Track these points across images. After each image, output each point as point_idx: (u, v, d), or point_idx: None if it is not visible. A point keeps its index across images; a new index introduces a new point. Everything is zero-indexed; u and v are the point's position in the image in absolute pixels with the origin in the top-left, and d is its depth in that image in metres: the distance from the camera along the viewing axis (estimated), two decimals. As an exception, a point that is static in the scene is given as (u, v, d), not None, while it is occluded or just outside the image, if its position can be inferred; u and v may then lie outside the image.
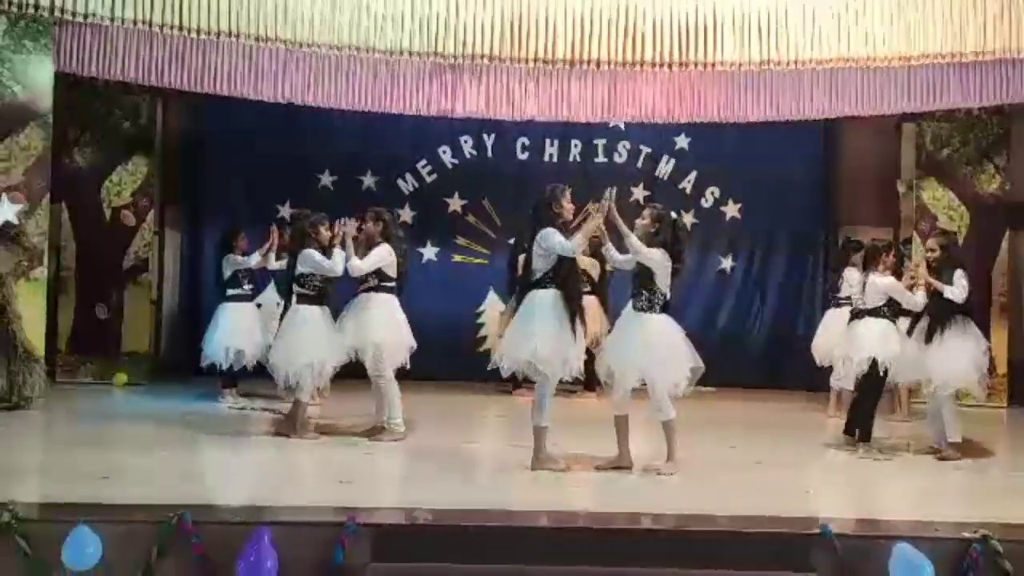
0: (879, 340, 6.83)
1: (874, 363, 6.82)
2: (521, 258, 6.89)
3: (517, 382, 8.90)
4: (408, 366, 7.14)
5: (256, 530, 4.45)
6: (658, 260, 6.04)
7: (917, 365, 6.82)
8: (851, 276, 8.16)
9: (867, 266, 7.10)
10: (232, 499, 5.51)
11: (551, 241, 5.98)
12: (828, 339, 8.20)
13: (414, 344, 7.12)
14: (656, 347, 6.03)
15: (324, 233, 7.07)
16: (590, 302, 8.99)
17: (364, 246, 7.14)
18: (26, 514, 4.60)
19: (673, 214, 6.34)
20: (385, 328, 7.01)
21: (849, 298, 8.05)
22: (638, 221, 6.21)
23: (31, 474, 6.05)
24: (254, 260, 8.36)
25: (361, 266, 6.99)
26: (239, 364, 8.38)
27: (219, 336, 8.38)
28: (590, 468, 6.16)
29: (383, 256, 7.04)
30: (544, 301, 6.02)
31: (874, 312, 6.91)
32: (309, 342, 6.97)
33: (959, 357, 6.73)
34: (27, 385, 7.86)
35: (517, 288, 6.46)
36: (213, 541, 4.52)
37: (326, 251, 7.01)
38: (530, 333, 6.00)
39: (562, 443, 6.33)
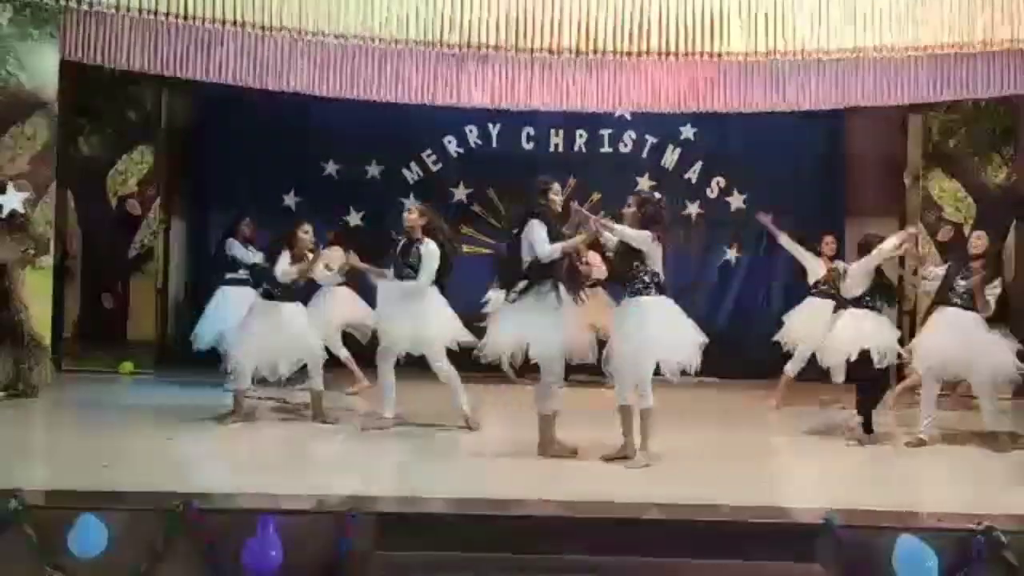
0: (872, 332, 6.88)
1: (867, 353, 6.83)
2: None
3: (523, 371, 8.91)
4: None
5: (261, 518, 4.46)
6: (642, 239, 6.02)
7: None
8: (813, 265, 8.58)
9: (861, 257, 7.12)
10: (238, 487, 5.51)
11: (534, 235, 6.05)
12: (793, 326, 8.54)
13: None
14: (660, 329, 6.00)
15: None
16: (596, 293, 9.02)
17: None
18: (33, 502, 4.63)
19: (657, 194, 6.36)
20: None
21: (815, 286, 8.48)
22: (625, 210, 6.26)
23: (38, 462, 6.09)
24: (255, 259, 8.46)
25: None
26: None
27: (210, 320, 8.46)
28: (595, 457, 6.18)
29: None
30: (533, 291, 6.07)
31: (857, 302, 6.96)
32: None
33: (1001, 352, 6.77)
34: (34, 374, 7.89)
35: (505, 278, 6.46)
36: (219, 529, 4.54)
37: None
38: (521, 323, 6.06)
39: (567, 431, 6.34)
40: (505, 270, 6.33)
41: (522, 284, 6.11)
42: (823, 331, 7.20)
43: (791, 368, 8.39)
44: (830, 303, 7.42)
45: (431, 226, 7.06)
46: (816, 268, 8.57)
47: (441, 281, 7.10)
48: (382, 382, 7.17)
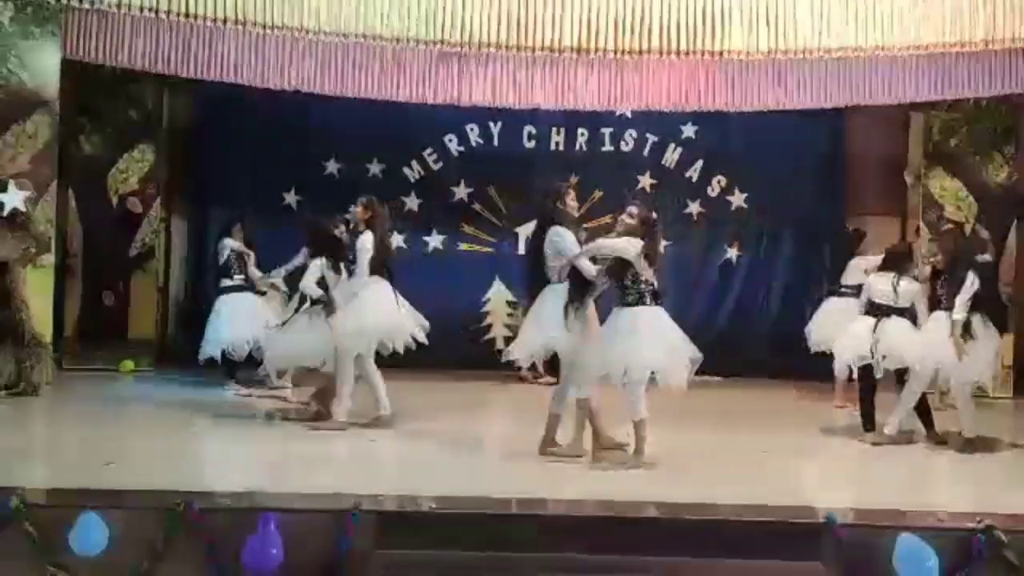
0: (921, 339, 6.93)
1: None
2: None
3: (535, 370, 8.88)
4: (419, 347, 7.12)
5: (262, 517, 4.47)
6: (622, 247, 5.97)
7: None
8: (859, 266, 8.18)
9: (891, 268, 7.13)
10: (238, 485, 5.52)
11: (564, 244, 6.07)
12: (826, 326, 8.24)
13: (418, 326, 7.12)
14: (648, 340, 5.94)
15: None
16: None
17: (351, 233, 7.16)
18: (34, 500, 4.64)
19: (654, 215, 6.31)
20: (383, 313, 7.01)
21: (852, 287, 8.10)
22: (622, 216, 6.19)
23: (39, 461, 6.09)
24: (233, 247, 8.51)
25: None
26: (238, 355, 8.39)
27: (214, 328, 8.42)
28: (596, 455, 6.17)
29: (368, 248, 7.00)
30: (558, 295, 6.07)
31: (901, 312, 7.02)
32: None
33: (975, 353, 6.74)
34: (35, 372, 7.88)
35: (529, 284, 6.50)
36: (219, 527, 4.55)
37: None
38: (547, 325, 6.07)
39: (569, 430, 6.33)
40: (534, 277, 6.32)
41: (564, 288, 6.06)
42: (866, 332, 7.15)
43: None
44: (854, 301, 7.47)
45: (373, 220, 7.09)
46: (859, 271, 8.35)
47: (390, 271, 7.10)
48: (372, 381, 7.15)
